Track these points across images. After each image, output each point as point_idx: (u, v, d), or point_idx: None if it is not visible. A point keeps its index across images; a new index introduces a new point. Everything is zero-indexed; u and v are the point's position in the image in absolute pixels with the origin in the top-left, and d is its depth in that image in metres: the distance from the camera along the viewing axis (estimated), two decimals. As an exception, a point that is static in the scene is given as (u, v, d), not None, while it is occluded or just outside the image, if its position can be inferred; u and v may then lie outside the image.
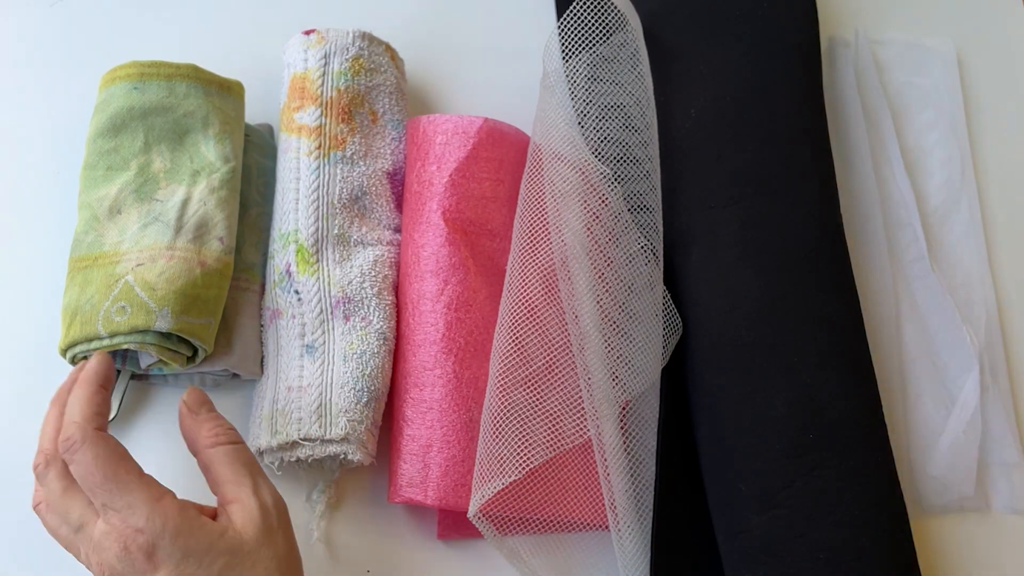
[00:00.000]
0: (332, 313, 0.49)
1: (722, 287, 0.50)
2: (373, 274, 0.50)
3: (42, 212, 0.53)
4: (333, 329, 0.49)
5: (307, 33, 0.53)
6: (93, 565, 0.38)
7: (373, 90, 0.54)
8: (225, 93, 0.52)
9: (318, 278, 0.49)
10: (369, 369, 0.48)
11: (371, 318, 0.49)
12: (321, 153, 0.51)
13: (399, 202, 0.54)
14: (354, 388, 0.47)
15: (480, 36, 0.62)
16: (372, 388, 0.48)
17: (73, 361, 0.47)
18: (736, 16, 0.55)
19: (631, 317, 0.50)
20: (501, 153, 0.53)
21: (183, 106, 0.50)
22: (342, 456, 0.47)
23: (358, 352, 0.48)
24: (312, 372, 0.48)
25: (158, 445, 0.49)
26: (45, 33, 0.58)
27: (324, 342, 0.49)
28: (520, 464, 0.46)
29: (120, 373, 0.48)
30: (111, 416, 0.48)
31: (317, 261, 0.50)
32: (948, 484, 0.54)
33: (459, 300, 0.50)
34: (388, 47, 0.55)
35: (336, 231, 0.50)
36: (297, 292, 0.50)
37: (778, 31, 0.55)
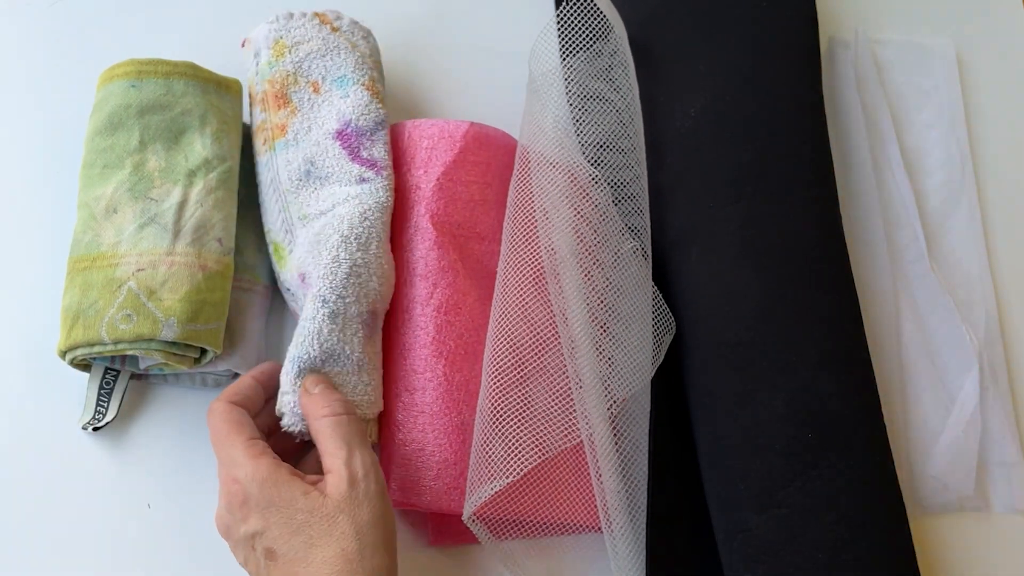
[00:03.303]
0: (305, 295, 0.48)
1: (722, 286, 0.50)
2: (318, 241, 0.48)
3: (42, 212, 0.53)
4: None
5: (242, 45, 0.54)
6: (216, 520, 0.43)
7: (303, 63, 0.52)
8: (223, 91, 0.52)
9: (288, 268, 0.49)
10: (302, 338, 0.45)
11: (311, 282, 0.47)
12: (268, 147, 0.51)
13: (355, 154, 0.51)
14: (290, 362, 0.45)
15: (477, 37, 0.62)
16: (306, 357, 0.45)
17: (72, 363, 0.47)
18: (736, 16, 0.55)
19: (621, 319, 0.50)
20: (488, 156, 0.53)
21: (180, 104, 0.49)
22: (294, 430, 0.45)
23: (300, 322, 0.46)
24: None
25: (158, 445, 0.49)
26: (45, 32, 0.58)
27: None
28: (515, 466, 0.45)
29: (120, 373, 0.48)
30: (111, 418, 0.48)
31: (291, 252, 0.50)
32: (948, 484, 0.54)
33: (448, 303, 0.50)
34: (317, 13, 0.53)
35: (298, 215, 0.50)
36: (289, 291, 0.50)
37: (778, 31, 0.55)
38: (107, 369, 0.48)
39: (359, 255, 0.47)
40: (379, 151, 0.51)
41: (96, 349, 0.45)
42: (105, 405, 0.48)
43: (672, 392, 0.51)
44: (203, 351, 0.47)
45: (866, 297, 0.55)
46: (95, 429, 0.48)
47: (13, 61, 0.57)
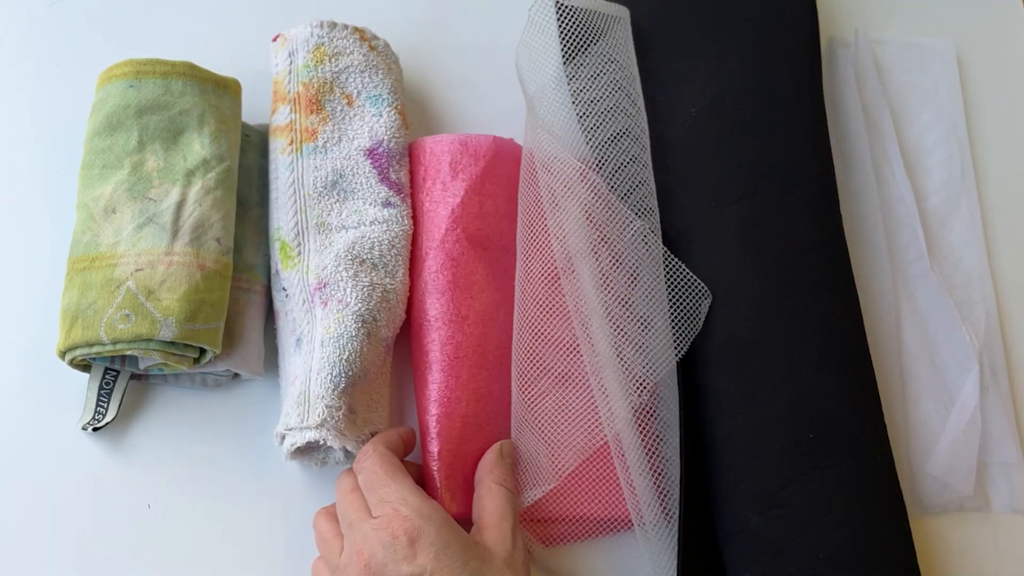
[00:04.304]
0: (312, 302, 0.49)
1: (722, 286, 0.50)
2: (350, 257, 0.49)
3: (41, 212, 0.53)
4: (315, 318, 0.48)
5: (275, 39, 0.54)
6: (354, 558, 0.42)
7: (341, 73, 0.53)
8: (222, 91, 0.52)
9: (299, 270, 0.49)
10: (347, 353, 0.46)
11: (348, 300, 0.48)
12: (293, 148, 0.51)
13: (384, 175, 0.52)
14: (331, 374, 0.46)
15: (481, 36, 0.62)
16: (350, 373, 0.46)
17: (72, 364, 0.47)
18: (736, 16, 0.55)
19: (643, 300, 0.50)
20: (511, 169, 0.54)
21: (179, 104, 0.49)
22: (322, 443, 0.46)
23: (335, 336, 0.47)
24: (299, 364, 0.48)
25: (158, 445, 0.49)
26: (44, 33, 0.58)
27: (309, 332, 0.48)
28: (557, 470, 0.47)
29: (119, 374, 0.48)
30: (110, 418, 0.48)
31: (299, 254, 0.50)
32: (948, 484, 0.54)
33: (478, 316, 0.50)
34: (356, 28, 0.55)
35: (315, 221, 0.50)
36: (284, 289, 0.50)
37: (778, 31, 0.55)
38: (107, 369, 0.48)
39: (388, 280, 0.49)
40: (405, 176, 0.53)
41: (95, 349, 0.45)
42: (105, 405, 0.48)
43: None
44: (202, 351, 0.47)
45: (866, 297, 0.55)
46: (95, 429, 0.48)
47: (13, 61, 0.57)
